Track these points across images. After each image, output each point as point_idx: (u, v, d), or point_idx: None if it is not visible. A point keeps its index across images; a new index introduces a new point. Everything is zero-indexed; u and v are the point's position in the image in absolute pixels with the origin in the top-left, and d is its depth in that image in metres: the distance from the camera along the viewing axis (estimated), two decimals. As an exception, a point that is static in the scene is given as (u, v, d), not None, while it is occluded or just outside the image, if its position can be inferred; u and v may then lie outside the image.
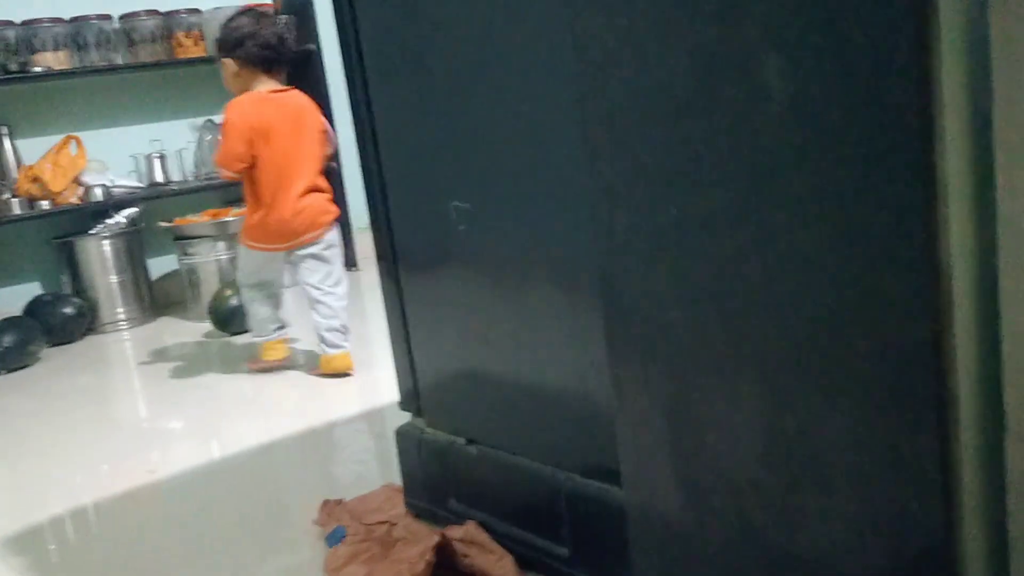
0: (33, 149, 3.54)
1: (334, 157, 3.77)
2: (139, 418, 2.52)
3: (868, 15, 0.59)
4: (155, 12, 3.70)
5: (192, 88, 3.85)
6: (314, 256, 2.47)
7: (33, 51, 3.46)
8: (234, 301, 3.02)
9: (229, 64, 2.40)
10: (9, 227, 3.47)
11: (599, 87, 0.80)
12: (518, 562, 1.21)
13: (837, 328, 0.66)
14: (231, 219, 3.42)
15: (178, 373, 2.81)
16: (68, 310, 3.36)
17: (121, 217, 3.55)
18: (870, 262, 0.62)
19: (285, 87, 2.46)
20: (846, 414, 0.67)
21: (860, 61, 0.60)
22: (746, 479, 0.76)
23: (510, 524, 1.24)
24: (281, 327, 2.63)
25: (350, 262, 4.01)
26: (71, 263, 3.53)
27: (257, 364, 2.65)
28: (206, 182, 3.80)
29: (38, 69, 3.44)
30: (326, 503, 1.55)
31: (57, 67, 3.49)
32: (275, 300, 2.61)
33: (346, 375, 2.48)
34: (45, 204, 3.44)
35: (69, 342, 3.36)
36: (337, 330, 2.46)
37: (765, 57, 0.66)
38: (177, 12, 3.74)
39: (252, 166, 2.39)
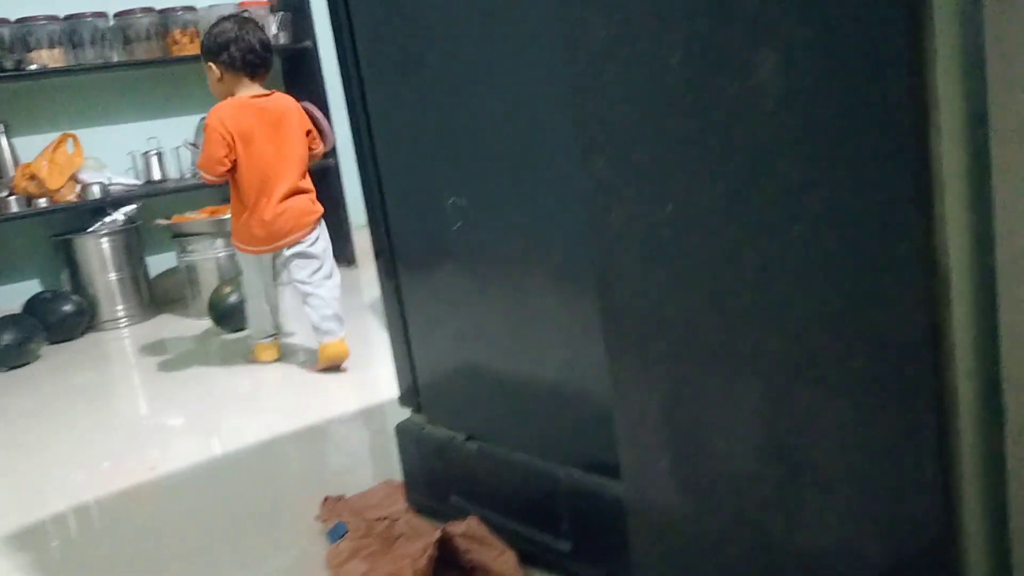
0: (30, 147, 3.54)
1: (331, 154, 3.78)
2: (139, 415, 2.53)
3: (862, 9, 0.59)
4: (150, 10, 3.69)
5: (188, 85, 3.85)
6: (301, 255, 2.52)
7: (28, 49, 3.45)
8: (233, 298, 3.03)
9: (213, 69, 2.45)
10: (7, 225, 3.47)
11: (593, 82, 0.80)
12: (519, 557, 1.21)
13: (834, 323, 0.66)
14: (229, 216, 3.41)
15: (178, 370, 2.82)
16: (68, 308, 3.36)
17: (119, 215, 3.55)
18: (866, 258, 0.62)
19: (268, 91, 2.51)
20: (844, 410, 0.67)
21: (854, 56, 0.60)
22: (744, 474, 0.76)
23: (511, 519, 1.24)
24: (275, 334, 2.68)
25: (348, 259, 4.01)
26: (70, 261, 3.53)
27: (251, 359, 2.71)
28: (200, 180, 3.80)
29: (34, 67, 3.43)
30: (327, 499, 1.55)
31: (52, 65, 3.48)
32: (271, 300, 2.64)
33: (342, 366, 2.50)
34: (43, 202, 3.44)
35: (69, 340, 3.36)
36: (330, 318, 2.49)
37: (759, 52, 0.66)
38: (172, 10, 3.73)
39: (234, 170, 2.44)
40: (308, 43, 3.93)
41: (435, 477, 1.39)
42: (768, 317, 0.70)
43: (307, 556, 1.41)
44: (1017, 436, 0.61)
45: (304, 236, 2.50)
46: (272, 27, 3.88)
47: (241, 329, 2.99)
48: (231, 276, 3.21)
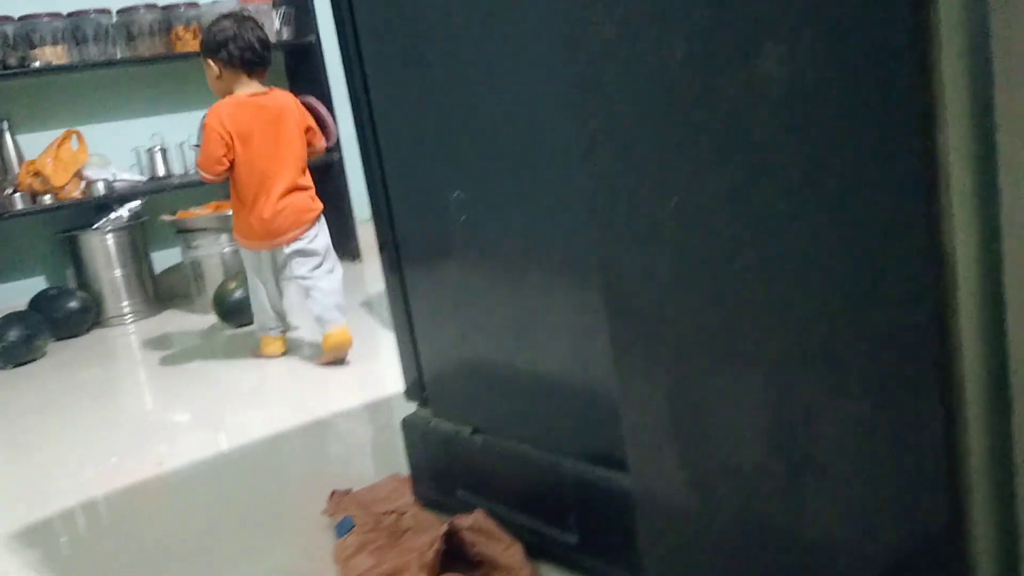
0: (34, 144, 3.54)
1: (335, 149, 3.78)
2: (146, 411, 2.53)
3: (866, 1, 0.59)
4: (153, 6, 3.69)
5: (191, 81, 3.84)
6: (300, 252, 2.54)
7: (32, 46, 3.45)
8: (238, 293, 3.03)
9: (212, 66, 2.47)
10: (12, 222, 3.47)
11: (596, 78, 0.79)
12: (527, 550, 1.21)
13: (840, 316, 0.66)
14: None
15: (184, 365, 2.82)
16: (73, 304, 3.37)
17: (124, 211, 3.56)
18: (872, 250, 0.62)
19: (266, 89, 2.53)
20: (850, 402, 0.67)
21: (858, 47, 0.60)
22: (750, 465, 0.76)
23: (518, 512, 1.25)
24: (280, 328, 2.68)
25: (352, 254, 4.01)
26: (75, 257, 3.54)
27: (256, 353, 2.72)
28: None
29: (37, 64, 3.43)
30: (334, 493, 1.55)
31: (56, 62, 3.48)
32: (273, 295, 2.65)
33: (346, 359, 2.51)
34: (48, 199, 3.44)
35: (75, 336, 3.37)
36: (331, 308, 2.52)
37: (762, 45, 0.66)
38: (175, 6, 3.73)
39: (233, 168, 2.47)
40: (311, 38, 3.92)
41: (441, 471, 1.39)
42: (773, 310, 0.70)
43: (314, 550, 1.42)
44: (1024, 425, 0.61)
45: (303, 233, 2.53)
46: (275, 22, 3.88)
47: (247, 324, 2.99)
48: (236, 272, 3.21)
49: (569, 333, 1.11)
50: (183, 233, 3.52)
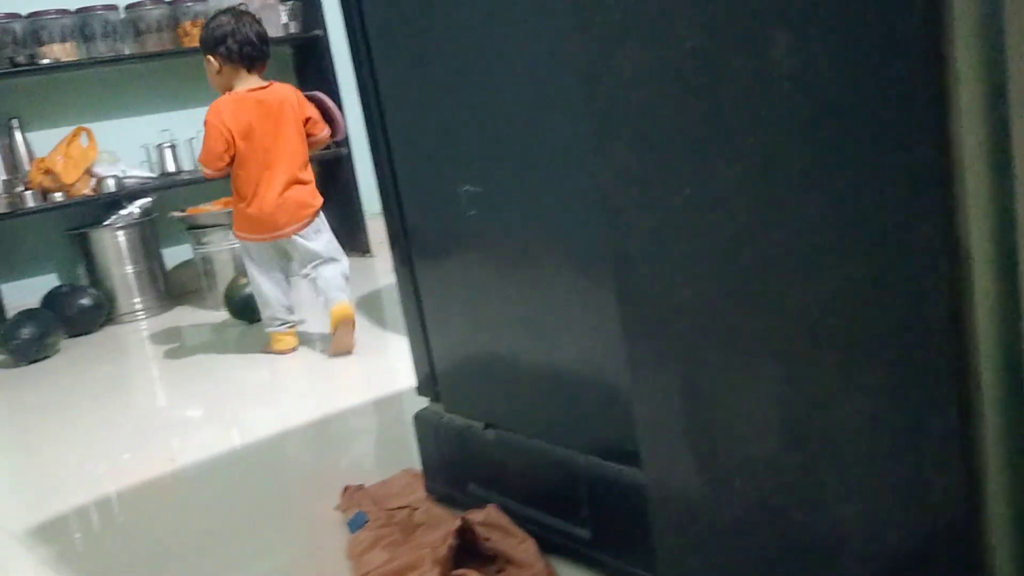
0: (44, 141, 3.55)
1: (344, 143, 3.78)
2: (158, 407, 2.54)
3: (880, -12, 0.58)
4: (161, 1, 3.69)
5: (199, 77, 3.81)
6: (302, 246, 2.57)
7: (40, 43, 3.46)
8: (249, 289, 3.03)
9: (212, 62, 2.52)
10: (24, 220, 3.49)
11: (607, 66, 0.79)
12: (540, 545, 1.21)
13: (853, 306, 0.65)
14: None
15: (196, 361, 2.83)
16: (85, 301, 3.39)
17: (134, 207, 3.57)
18: (886, 239, 0.62)
19: (266, 83, 2.56)
20: (864, 393, 0.66)
21: (871, 35, 0.59)
22: (764, 457, 0.76)
23: (531, 507, 1.25)
24: (289, 322, 2.69)
25: (362, 248, 4.01)
26: (86, 254, 3.55)
27: (267, 350, 2.72)
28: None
29: (46, 61, 3.44)
30: (347, 489, 1.56)
31: (65, 59, 3.49)
32: (283, 287, 2.66)
33: (353, 347, 2.55)
34: (59, 196, 3.45)
35: (87, 333, 3.39)
36: (334, 288, 2.57)
37: (774, 32, 0.65)
38: (182, 1, 3.73)
39: (234, 163, 2.51)
40: (318, 32, 3.92)
41: (454, 466, 1.39)
42: (787, 300, 0.70)
43: (328, 545, 1.42)
44: (1042, 418, 0.61)
45: (303, 228, 2.56)
46: (282, 17, 3.88)
47: (257, 320, 3.00)
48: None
49: (581, 326, 1.11)
50: (193, 229, 3.53)
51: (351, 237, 4.03)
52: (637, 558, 1.09)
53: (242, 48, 2.48)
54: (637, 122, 0.78)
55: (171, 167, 3.80)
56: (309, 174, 2.61)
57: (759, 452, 0.76)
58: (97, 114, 3.71)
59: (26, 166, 3.51)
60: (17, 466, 2.19)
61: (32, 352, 3.06)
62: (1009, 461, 0.61)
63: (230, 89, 2.53)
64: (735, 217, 0.72)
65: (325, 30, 3.91)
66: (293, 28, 3.94)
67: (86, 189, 3.52)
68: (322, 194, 2.68)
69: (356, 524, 1.41)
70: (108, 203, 3.56)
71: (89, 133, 3.54)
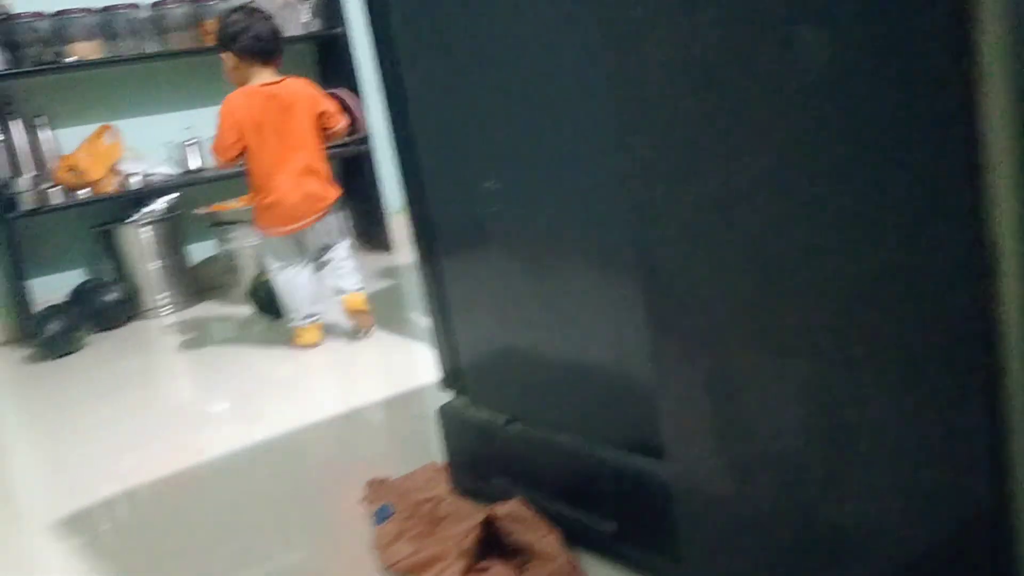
0: (69, 139, 3.59)
1: (365, 141, 3.79)
2: (185, 401, 2.57)
3: (908, -16, 0.58)
4: (184, 0, 3.71)
5: (222, 74, 3.86)
6: (315, 238, 2.66)
7: (65, 42, 3.49)
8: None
9: (227, 58, 2.62)
10: (51, 216, 3.52)
11: (630, 61, 0.79)
12: (564, 538, 1.22)
13: (881, 301, 0.65)
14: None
15: (221, 356, 2.86)
16: (112, 296, 3.42)
17: (159, 204, 3.60)
18: (914, 234, 0.62)
19: (280, 78, 2.64)
20: (891, 388, 0.66)
21: (898, 29, 0.59)
22: (790, 453, 0.76)
23: (555, 500, 1.25)
24: (311, 315, 2.71)
25: (385, 245, 4.02)
26: (112, 250, 3.59)
27: (292, 345, 2.74)
28: (241, 168, 3.83)
29: (71, 59, 3.48)
30: (372, 482, 1.57)
31: (89, 57, 3.52)
32: (300, 280, 2.69)
33: (371, 327, 2.65)
34: (84, 193, 3.49)
35: (114, 327, 3.42)
36: (345, 276, 2.67)
37: (799, 26, 0.65)
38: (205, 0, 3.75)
39: (247, 156, 2.61)
40: (340, 29, 3.93)
41: (478, 459, 1.40)
42: (813, 295, 0.70)
43: (354, 537, 1.43)
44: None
45: (317, 220, 2.62)
46: (304, 15, 3.89)
47: (281, 315, 3.02)
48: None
49: (606, 321, 1.11)
50: (217, 225, 3.55)
51: (373, 234, 4.05)
52: (663, 552, 1.09)
53: (255, 43, 2.57)
54: (661, 116, 0.78)
55: (194, 164, 3.82)
56: (324, 167, 2.66)
57: (785, 447, 0.76)
58: (122, 112, 3.74)
59: (52, 163, 3.55)
60: (46, 459, 2.22)
61: (60, 346, 3.10)
62: (1037, 455, 0.61)
63: (246, 83, 2.60)
64: (761, 212, 0.72)
65: (346, 27, 3.92)
66: (315, 26, 3.96)
67: (111, 186, 3.55)
68: (344, 191, 2.70)
69: (381, 516, 1.42)
70: (133, 200, 3.59)
71: (114, 131, 3.57)
